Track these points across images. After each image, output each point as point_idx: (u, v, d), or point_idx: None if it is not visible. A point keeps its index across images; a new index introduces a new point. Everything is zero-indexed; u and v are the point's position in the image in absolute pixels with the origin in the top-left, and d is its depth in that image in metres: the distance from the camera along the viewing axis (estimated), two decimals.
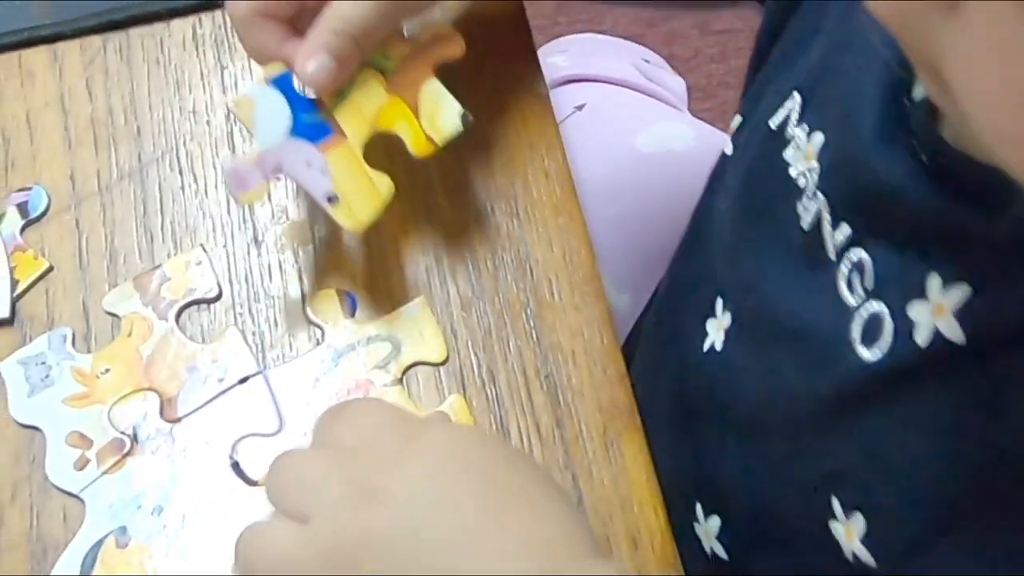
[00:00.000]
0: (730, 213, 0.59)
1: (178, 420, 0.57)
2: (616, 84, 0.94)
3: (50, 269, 0.60)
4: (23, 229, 0.62)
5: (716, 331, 0.58)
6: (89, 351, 0.59)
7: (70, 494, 0.56)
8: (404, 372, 0.58)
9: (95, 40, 0.66)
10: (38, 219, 0.62)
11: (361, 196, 0.56)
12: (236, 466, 0.56)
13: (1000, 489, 0.45)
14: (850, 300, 0.48)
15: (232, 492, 0.56)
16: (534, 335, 0.59)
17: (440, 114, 0.57)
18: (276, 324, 0.59)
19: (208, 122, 0.64)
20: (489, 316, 0.59)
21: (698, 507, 0.60)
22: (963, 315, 0.43)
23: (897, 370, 0.46)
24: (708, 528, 0.60)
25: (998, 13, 0.31)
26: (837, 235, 0.49)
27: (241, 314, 0.60)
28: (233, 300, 0.60)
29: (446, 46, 0.59)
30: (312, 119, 0.57)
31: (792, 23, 0.59)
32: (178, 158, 0.63)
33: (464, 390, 0.58)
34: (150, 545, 0.55)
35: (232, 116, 0.64)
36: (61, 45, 0.66)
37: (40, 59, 0.66)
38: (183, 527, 0.55)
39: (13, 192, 0.62)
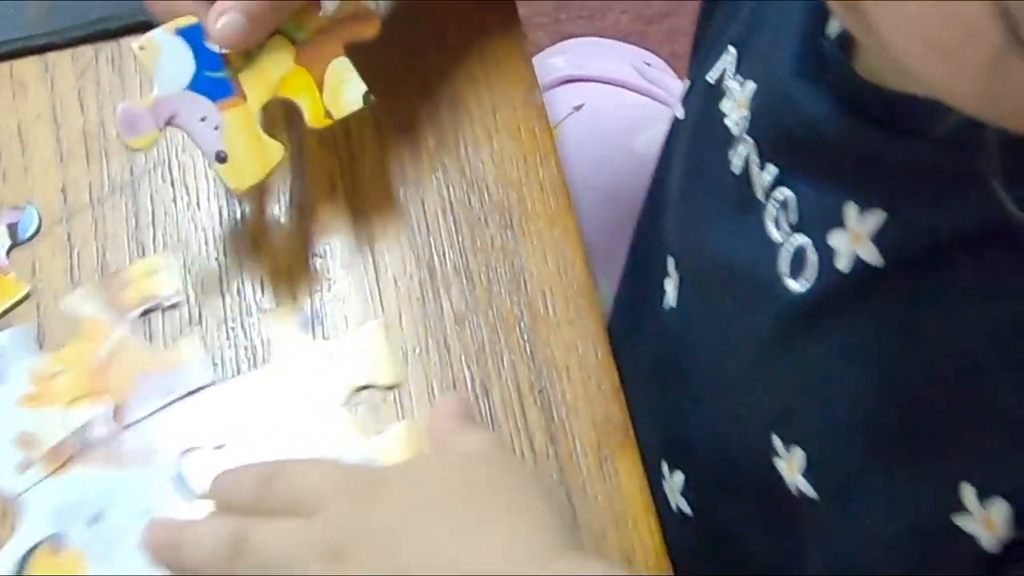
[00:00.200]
0: (678, 171, 0.61)
1: (127, 427, 0.56)
2: (615, 85, 0.94)
3: (27, 296, 0.59)
4: (9, 251, 0.61)
5: (672, 289, 0.60)
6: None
7: (9, 496, 0.55)
8: (352, 395, 0.57)
9: (87, 50, 0.66)
10: (27, 241, 0.61)
11: (250, 158, 0.57)
12: (179, 478, 0.55)
13: (927, 409, 0.46)
14: (776, 236, 0.50)
15: (174, 505, 0.55)
16: (528, 349, 0.58)
17: (343, 90, 0.58)
18: (245, 336, 0.59)
19: None
20: (483, 330, 0.59)
21: (663, 464, 0.61)
22: (879, 239, 0.46)
23: (824, 299, 0.48)
24: (673, 483, 0.61)
25: None
26: (764, 176, 0.51)
27: (209, 325, 0.59)
28: (201, 310, 0.59)
29: (361, 26, 0.59)
30: (215, 76, 0.57)
31: None
32: (170, 170, 0.63)
33: None
34: (84, 553, 0.54)
35: None
36: (52, 55, 0.66)
37: (32, 70, 0.66)
38: (120, 537, 0.54)
39: (5, 210, 0.62)
